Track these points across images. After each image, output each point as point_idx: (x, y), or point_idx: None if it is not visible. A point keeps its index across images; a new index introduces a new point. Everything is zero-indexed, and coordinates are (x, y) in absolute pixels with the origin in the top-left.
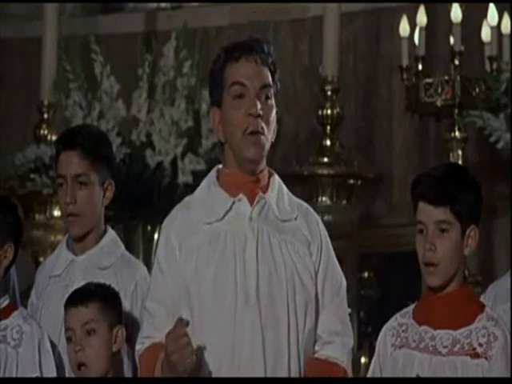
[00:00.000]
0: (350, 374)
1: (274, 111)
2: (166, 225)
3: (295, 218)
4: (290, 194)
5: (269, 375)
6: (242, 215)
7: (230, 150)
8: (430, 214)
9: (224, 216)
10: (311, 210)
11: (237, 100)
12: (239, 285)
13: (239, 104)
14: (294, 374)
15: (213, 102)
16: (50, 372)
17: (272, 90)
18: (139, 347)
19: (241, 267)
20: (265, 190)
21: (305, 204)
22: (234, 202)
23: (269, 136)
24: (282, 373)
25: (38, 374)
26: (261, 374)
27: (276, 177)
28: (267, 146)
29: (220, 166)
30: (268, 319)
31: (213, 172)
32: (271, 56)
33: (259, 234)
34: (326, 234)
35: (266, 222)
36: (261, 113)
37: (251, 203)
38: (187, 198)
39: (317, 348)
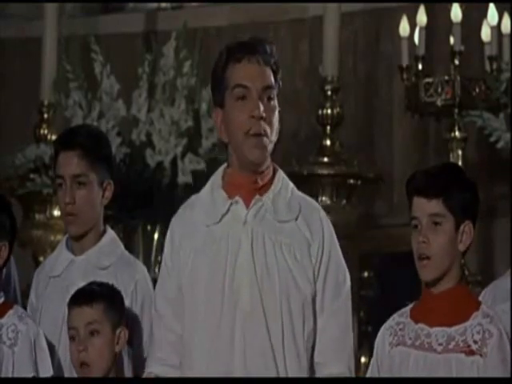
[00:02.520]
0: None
1: (277, 112)
2: (173, 223)
3: (296, 219)
4: (295, 190)
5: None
6: (237, 218)
7: (233, 150)
8: (424, 207)
9: (221, 219)
10: (317, 207)
11: (239, 102)
12: (228, 290)
13: (242, 106)
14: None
15: (215, 102)
16: (47, 371)
17: (274, 91)
18: (150, 369)
19: (232, 271)
20: (266, 189)
21: (310, 201)
22: (231, 204)
23: (272, 137)
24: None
25: (34, 374)
26: (258, 373)
27: (280, 173)
28: (270, 147)
29: (226, 165)
30: (259, 324)
31: (219, 171)
32: (274, 56)
33: (253, 238)
34: (331, 232)
35: (262, 225)
36: (263, 115)
37: (248, 205)
38: (193, 197)
39: (316, 359)
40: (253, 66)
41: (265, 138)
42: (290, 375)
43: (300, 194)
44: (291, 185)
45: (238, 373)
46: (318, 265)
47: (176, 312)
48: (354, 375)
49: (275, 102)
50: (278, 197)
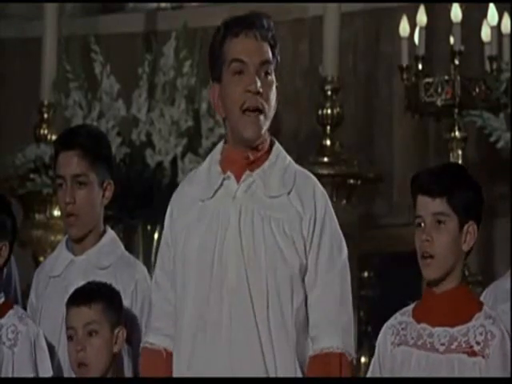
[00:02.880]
0: (349, 356)
1: (274, 87)
2: (173, 198)
3: (288, 193)
4: (293, 163)
5: (248, 351)
6: (228, 193)
7: (228, 125)
8: (428, 206)
9: (214, 194)
10: (311, 178)
11: (236, 76)
12: (216, 265)
13: (238, 80)
14: (280, 350)
15: (212, 78)
16: (46, 371)
17: (272, 66)
18: (146, 338)
19: (220, 247)
20: (260, 164)
21: (306, 174)
22: (223, 180)
23: (269, 113)
24: (266, 349)
25: (33, 374)
26: (242, 349)
27: (277, 147)
28: (266, 124)
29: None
30: (245, 300)
31: (218, 146)
32: (271, 31)
33: (242, 213)
34: (326, 204)
35: (252, 200)
36: (260, 90)
37: (239, 181)
38: (192, 172)
39: (311, 334)
40: (250, 41)
41: (261, 116)
42: (277, 352)
43: (297, 167)
44: (288, 158)
45: (224, 348)
46: (309, 238)
47: (173, 284)
48: (352, 352)
49: (273, 77)
50: (270, 172)
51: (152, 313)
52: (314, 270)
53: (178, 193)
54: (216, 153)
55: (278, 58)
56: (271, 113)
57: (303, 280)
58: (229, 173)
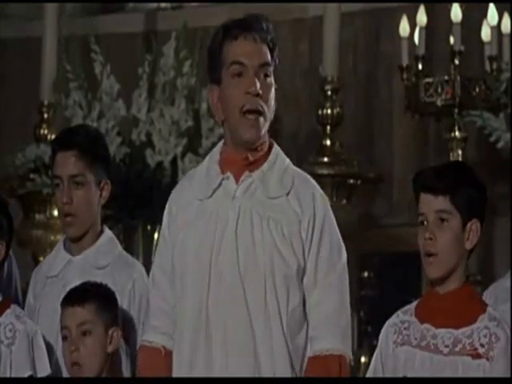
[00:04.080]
0: (347, 357)
1: (273, 89)
2: (171, 197)
3: (287, 194)
4: (292, 165)
5: (243, 349)
6: (227, 193)
7: (228, 128)
8: (430, 203)
9: (212, 194)
10: (312, 184)
11: (236, 79)
12: (214, 264)
13: (238, 82)
14: (279, 351)
15: (212, 80)
16: (44, 369)
17: (271, 68)
18: (144, 336)
19: (218, 246)
20: (259, 165)
21: (305, 177)
22: (222, 179)
23: (268, 115)
24: (261, 348)
25: (31, 373)
26: (237, 348)
27: (276, 149)
28: (266, 125)
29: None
30: (242, 297)
31: (217, 146)
32: (270, 33)
33: (241, 213)
34: (325, 208)
35: (251, 200)
36: (260, 92)
37: (238, 181)
38: (192, 171)
39: (310, 335)
40: (249, 43)
41: (261, 118)
42: (273, 352)
43: (296, 169)
44: (287, 161)
45: (221, 347)
46: (308, 240)
47: (171, 282)
48: (350, 353)
49: (272, 79)
50: (269, 173)
51: (149, 311)
52: (314, 272)
53: (177, 191)
54: (215, 153)
55: (277, 60)
56: (270, 115)
57: (301, 281)
58: (228, 173)
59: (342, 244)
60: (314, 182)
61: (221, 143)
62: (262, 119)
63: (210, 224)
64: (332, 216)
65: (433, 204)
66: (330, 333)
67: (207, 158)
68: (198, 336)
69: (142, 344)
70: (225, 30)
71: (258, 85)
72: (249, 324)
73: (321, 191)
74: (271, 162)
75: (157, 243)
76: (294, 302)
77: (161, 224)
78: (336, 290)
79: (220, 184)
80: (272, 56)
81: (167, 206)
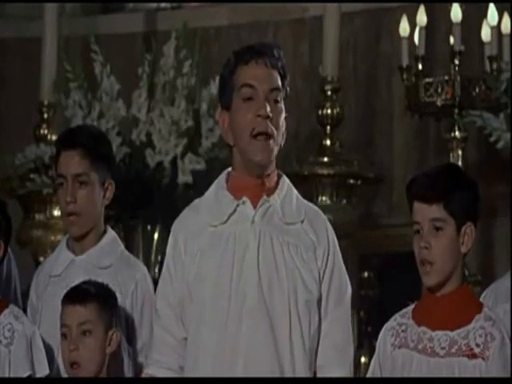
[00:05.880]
0: None
1: (283, 115)
2: (175, 227)
3: (301, 222)
4: (300, 196)
5: (268, 375)
6: (245, 218)
7: (238, 153)
8: (424, 212)
9: (228, 219)
10: (321, 213)
11: (246, 102)
12: (235, 288)
13: (248, 106)
14: (301, 375)
15: (222, 106)
16: (43, 369)
17: (281, 94)
18: (147, 370)
19: (239, 270)
20: (272, 192)
21: (315, 207)
22: (238, 205)
23: (278, 139)
24: (288, 374)
25: (30, 372)
26: (261, 374)
27: (285, 179)
28: (276, 150)
29: (230, 168)
30: (267, 322)
31: (223, 175)
32: (281, 60)
33: (261, 237)
34: (335, 239)
35: (270, 225)
36: (270, 115)
37: (255, 206)
38: (196, 201)
39: (319, 362)
40: (260, 68)
41: (271, 141)
42: (299, 373)
43: (304, 200)
44: (295, 191)
45: (242, 373)
46: (323, 268)
47: (176, 316)
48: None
49: (282, 106)
50: (284, 200)
51: (153, 344)
52: (326, 301)
53: (182, 221)
54: (221, 181)
55: (288, 89)
56: (280, 140)
57: (318, 308)
58: (244, 198)
59: (348, 279)
60: (322, 213)
61: (226, 171)
62: (271, 142)
63: (228, 249)
64: (338, 249)
65: (427, 213)
66: (340, 361)
67: (213, 187)
68: (220, 363)
69: (144, 376)
70: (236, 56)
71: (269, 108)
72: (274, 350)
73: (329, 223)
74: (283, 190)
75: (157, 243)
76: (314, 327)
77: (161, 224)
78: (344, 322)
79: (235, 209)
80: (282, 83)
81: (171, 237)
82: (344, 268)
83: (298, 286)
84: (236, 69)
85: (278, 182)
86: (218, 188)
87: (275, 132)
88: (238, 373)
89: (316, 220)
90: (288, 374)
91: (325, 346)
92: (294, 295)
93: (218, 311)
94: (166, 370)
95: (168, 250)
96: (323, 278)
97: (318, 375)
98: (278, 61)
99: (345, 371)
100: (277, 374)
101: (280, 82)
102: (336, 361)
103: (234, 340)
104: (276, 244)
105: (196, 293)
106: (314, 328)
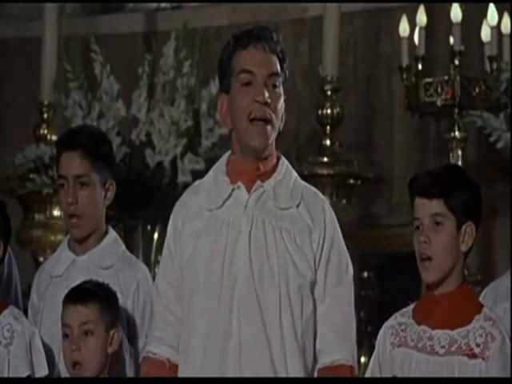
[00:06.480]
0: (355, 369)
1: (282, 100)
2: (176, 209)
3: (297, 206)
4: (299, 179)
5: (258, 360)
6: (239, 203)
7: (236, 136)
8: (425, 207)
9: (223, 204)
10: (319, 195)
11: (244, 87)
12: (226, 272)
13: (247, 91)
14: (292, 359)
15: (221, 89)
16: (42, 370)
17: (280, 79)
18: (148, 347)
19: (231, 254)
20: (269, 176)
21: (313, 189)
22: (233, 190)
23: (276, 124)
24: (277, 358)
25: (29, 373)
26: (252, 358)
27: (284, 161)
28: (274, 134)
29: (230, 151)
30: (257, 306)
31: (223, 158)
32: (280, 44)
33: (253, 222)
34: (334, 220)
35: (263, 210)
36: (268, 100)
37: (250, 191)
38: (197, 183)
39: (318, 346)
40: (258, 53)
41: (268, 126)
42: (288, 361)
43: (303, 183)
44: (294, 173)
45: (234, 357)
46: (319, 252)
47: (176, 294)
48: (356, 365)
49: (280, 90)
50: (280, 184)
51: (154, 322)
52: (323, 283)
53: (182, 203)
54: (221, 164)
55: (287, 72)
56: (278, 124)
57: (312, 292)
58: (239, 183)
59: (349, 259)
60: (322, 196)
61: (226, 154)
62: (269, 127)
63: (222, 233)
64: (339, 230)
65: (427, 208)
66: (341, 344)
67: (212, 171)
68: (210, 345)
69: (145, 355)
70: (235, 40)
71: (267, 94)
72: (264, 334)
73: (328, 204)
74: (280, 173)
75: (157, 243)
76: (308, 311)
77: (161, 224)
78: (344, 302)
79: (230, 194)
80: (281, 67)
81: (171, 218)
82: (345, 248)
83: (290, 270)
84: (234, 53)
85: (276, 166)
86: (217, 171)
87: (273, 117)
88: (229, 355)
89: (313, 203)
90: (278, 359)
91: (324, 329)
92: (285, 280)
93: (209, 295)
94: (166, 346)
95: (168, 231)
96: (320, 260)
97: (318, 360)
98: (276, 45)
99: (346, 356)
100: (267, 358)
101: (279, 66)
102: (336, 344)
103: (225, 323)
104: (268, 229)
105: (188, 274)
106: (306, 314)
